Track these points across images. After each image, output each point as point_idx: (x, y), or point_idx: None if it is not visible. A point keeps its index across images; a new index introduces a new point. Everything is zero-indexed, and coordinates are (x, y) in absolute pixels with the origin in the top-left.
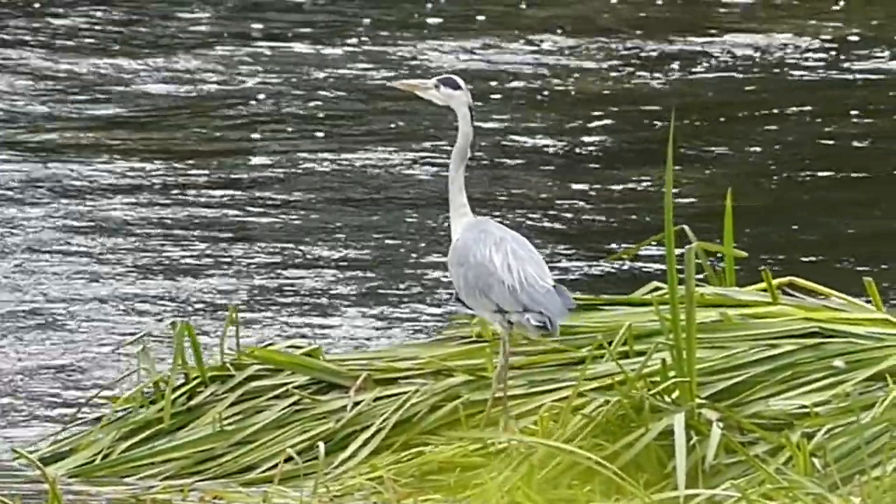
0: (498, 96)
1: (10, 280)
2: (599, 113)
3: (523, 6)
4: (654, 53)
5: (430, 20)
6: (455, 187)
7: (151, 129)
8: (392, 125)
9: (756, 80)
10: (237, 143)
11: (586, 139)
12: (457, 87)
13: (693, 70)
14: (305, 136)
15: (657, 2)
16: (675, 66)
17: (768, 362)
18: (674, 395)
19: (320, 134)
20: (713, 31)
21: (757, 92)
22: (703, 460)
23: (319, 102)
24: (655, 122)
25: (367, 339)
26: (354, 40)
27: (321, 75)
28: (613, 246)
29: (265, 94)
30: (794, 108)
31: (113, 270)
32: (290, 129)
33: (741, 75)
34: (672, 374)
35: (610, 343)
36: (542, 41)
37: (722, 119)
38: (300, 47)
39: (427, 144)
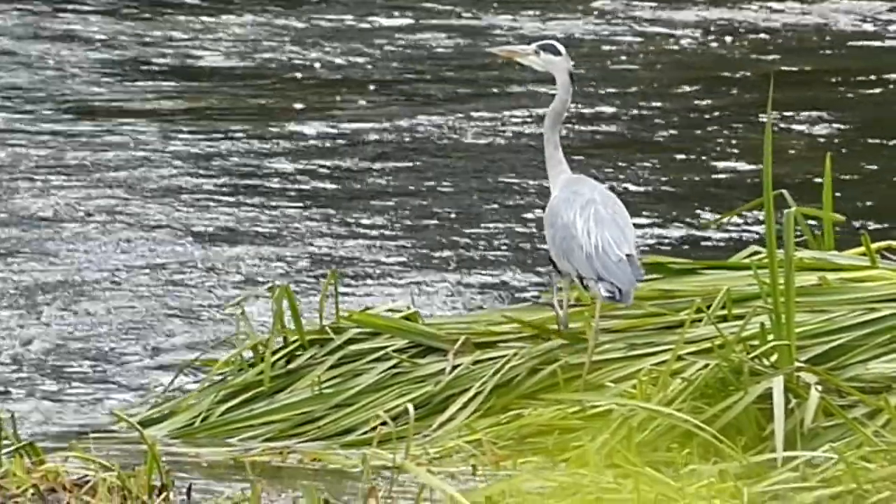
0: (581, 62)
1: (101, 248)
2: (688, 78)
3: None
4: (740, 20)
5: None
6: (551, 146)
7: (216, 98)
8: (462, 90)
9: (850, 47)
10: (304, 112)
11: (673, 106)
12: (557, 52)
13: (782, 37)
14: (379, 103)
15: None
16: (764, 34)
17: (867, 326)
18: (773, 359)
19: (391, 100)
20: None
21: (852, 58)
22: (802, 423)
23: (383, 70)
24: (745, 89)
25: (465, 304)
26: (411, 12)
27: (382, 44)
28: (711, 210)
29: (321, 64)
30: (892, 75)
31: (199, 237)
32: (358, 97)
33: (834, 41)
34: (771, 337)
35: (709, 307)
36: (613, 10)
37: (816, 85)
38: (356, 17)
39: (504, 109)
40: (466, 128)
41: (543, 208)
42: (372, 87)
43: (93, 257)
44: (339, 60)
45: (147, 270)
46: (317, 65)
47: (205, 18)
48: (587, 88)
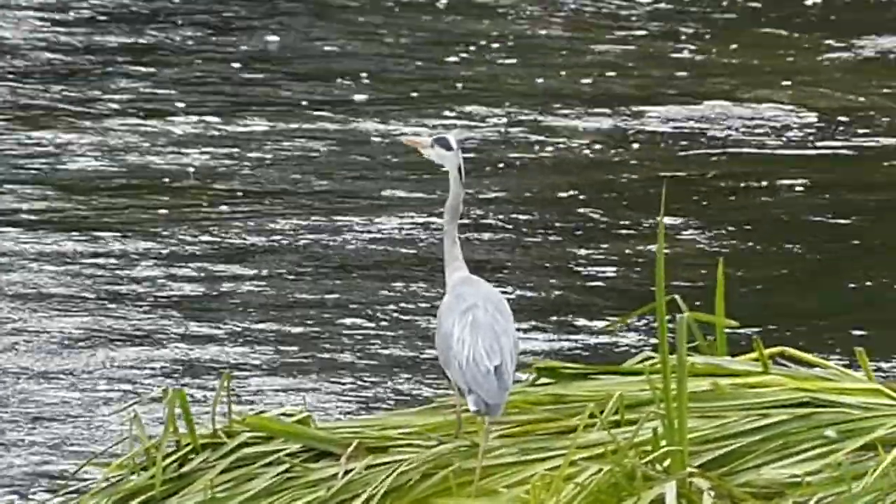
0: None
1: None
2: (571, 185)
3: (459, 86)
4: (633, 124)
5: (358, 97)
6: (448, 241)
7: (83, 203)
8: (334, 197)
9: (743, 152)
10: (171, 217)
11: (557, 213)
12: (449, 147)
13: (667, 142)
14: (249, 209)
15: (610, 75)
16: (656, 136)
17: (759, 432)
18: (665, 464)
19: (268, 205)
20: (696, 101)
21: (745, 163)
22: None
23: (254, 175)
24: (637, 194)
25: (358, 408)
26: (289, 117)
27: (253, 150)
28: (600, 317)
29: (193, 169)
30: (784, 181)
31: (66, 342)
32: (227, 203)
33: (719, 146)
34: (664, 443)
35: (601, 412)
36: (490, 117)
37: (703, 191)
38: (228, 122)
39: (377, 215)
40: (340, 233)
41: (425, 313)
42: (241, 193)
43: None
44: (211, 164)
45: (15, 377)
46: (190, 169)
47: (73, 122)
48: (467, 194)
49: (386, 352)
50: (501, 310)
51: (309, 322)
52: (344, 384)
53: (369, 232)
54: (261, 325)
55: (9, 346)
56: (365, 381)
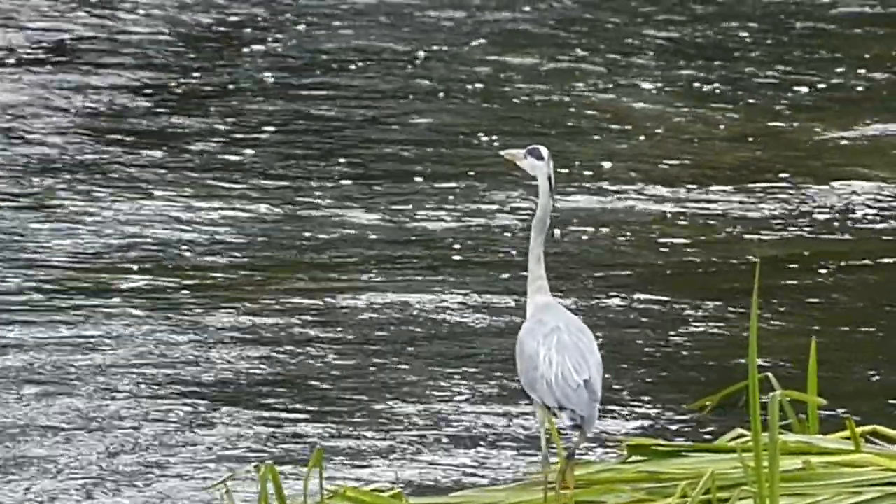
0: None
1: (79, 423)
2: (673, 261)
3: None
4: (723, 199)
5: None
6: (533, 258)
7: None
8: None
9: (840, 230)
10: (228, 293)
11: (648, 289)
12: (540, 157)
13: (760, 224)
14: (311, 283)
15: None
16: (751, 212)
17: None
18: None
19: (323, 279)
20: (791, 176)
21: (841, 241)
22: None
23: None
24: (721, 272)
25: (449, 484)
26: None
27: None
28: (695, 395)
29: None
30: (885, 260)
31: (178, 416)
32: (285, 279)
33: (810, 229)
34: None
35: (693, 490)
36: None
37: (796, 272)
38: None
39: (455, 288)
40: (406, 308)
41: (506, 384)
42: (286, 270)
43: (80, 433)
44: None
45: (137, 450)
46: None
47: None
48: (560, 284)
49: (472, 425)
50: (584, 331)
51: (387, 394)
52: (429, 459)
53: (436, 305)
54: (335, 399)
55: (130, 416)
56: (452, 456)
